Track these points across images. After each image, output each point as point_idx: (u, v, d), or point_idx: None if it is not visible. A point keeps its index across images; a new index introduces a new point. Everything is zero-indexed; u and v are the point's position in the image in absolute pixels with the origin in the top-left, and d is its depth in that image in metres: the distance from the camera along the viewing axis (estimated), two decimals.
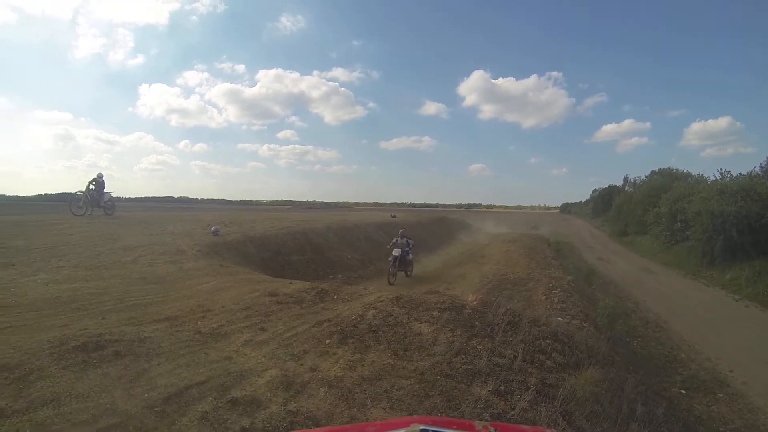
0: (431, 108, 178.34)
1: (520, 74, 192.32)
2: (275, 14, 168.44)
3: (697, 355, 13.16)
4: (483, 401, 5.23)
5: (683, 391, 10.67)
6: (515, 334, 7.64)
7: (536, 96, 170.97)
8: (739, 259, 24.32)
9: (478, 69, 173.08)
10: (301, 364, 5.94)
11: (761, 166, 34.39)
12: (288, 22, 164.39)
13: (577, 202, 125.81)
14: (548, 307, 13.37)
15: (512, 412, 5.13)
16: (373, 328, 7.38)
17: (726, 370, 11.94)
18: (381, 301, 8.85)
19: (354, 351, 6.48)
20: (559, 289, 16.35)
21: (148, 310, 8.08)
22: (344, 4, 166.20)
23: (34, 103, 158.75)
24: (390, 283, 18.51)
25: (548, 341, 7.81)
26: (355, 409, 4.83)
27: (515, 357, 6.75)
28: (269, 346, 6.55)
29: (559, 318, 10.87)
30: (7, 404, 4.30)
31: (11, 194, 66.69)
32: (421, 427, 1.66)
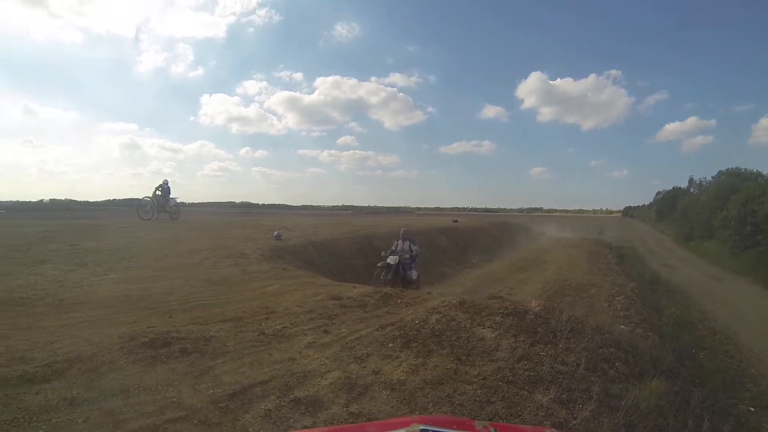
0: (490, 111, 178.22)
1: (579, 74, 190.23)
2: (330, 23, 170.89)
3: None
4: (545, 409, 5.12)
5: (752, 409, 10.06)
6: (578, 341, 7.45)
7: (595, 96, 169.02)
8: None
9: (535, 70, 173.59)
10: (364, 367, 5.91)
11: None
12: (343, 30, 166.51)
13: (640, 205, 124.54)
14: (611, 314, 13.14)
15: (574, 422, 4.99)
16: (436, 333, 7.29)
17: None
18: (444, 305, 8.74)
19: (417, 355, 6.41)
20: (621, 296, 16.03)
21: (213, 310, 8.23)
22: (398, 9, 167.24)
23: (103, 115, 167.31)
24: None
25: (611, 350, 7.63)
26: (417, 413, 4.77)
27: (578, 365, 6.59)
28: (332, 349, 6.54)
29: (622, 326, 10.63)
30: (79, 393, 4.44)
31: (82, 199, 69.63)
32: (421, 427, 1.65)
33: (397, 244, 16.12)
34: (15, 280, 9.45)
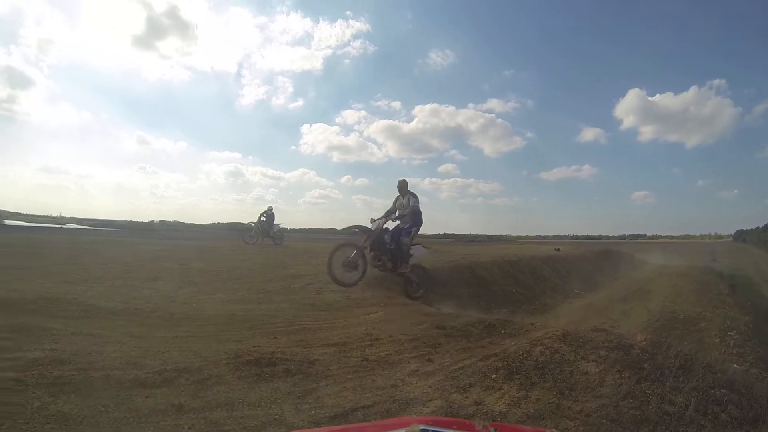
0: (588, 134, 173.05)
1: (678, 88, 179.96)
2: (424, 51, 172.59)
3: None
4: None
5: None
6: (687, 380, 6.97)
7: (698, 110, 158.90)
8: None
9: (632, 87, 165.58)
10: (466, 397, 5.81)
11: None
12: (438, 57, 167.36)
13: (754, 228, 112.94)
14: (723, 351, 12.46)
15: None
16: (540, 365, 7.07)
17: None
18: (548, 337, 8.49)
19: (519, 387, 6.25)
20: (735, 331, 15.02)
21: (316, 334, 8.34)
22: (491, 34, 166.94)
23: (209, 145, 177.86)
24: (342, 282, 11.94)
25: (724, 391, 7.03)
26: None
27: (687, 406, 6.14)
28: (435, 378, 6.46)
29: (735, 365, 10.02)
30: (185, 401, 4.63)
31: (189, 221, 73.52)
32: (421, 427, 1.68)
33: (397, 200, 12.57)
34: (130, 293, 10.14)
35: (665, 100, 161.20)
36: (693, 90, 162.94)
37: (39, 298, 8.99)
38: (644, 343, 8.35)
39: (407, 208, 11.89)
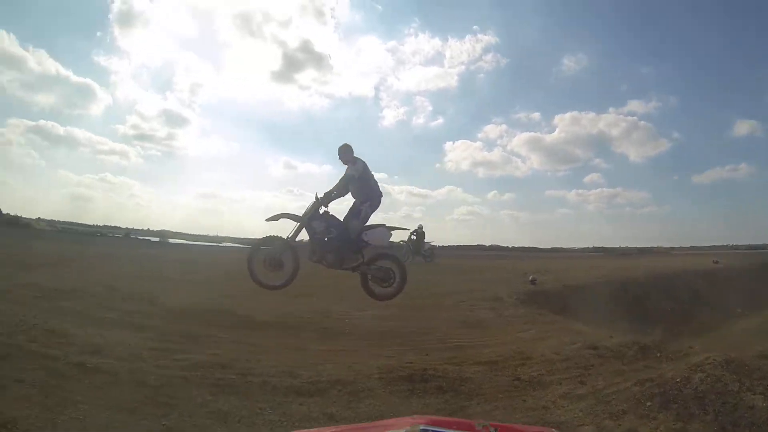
0: (743, 127, 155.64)
1: None
2: (556, 58, 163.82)
3: None
4: None
5: None
6: None
7: None
8: None
9: None
10: (619, 425, 5.71)
11: None
12: (571, 63, 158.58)
13: None
14: None
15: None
16: (699, 395, 6.68)
17: None
18: (709, 363, 8.01)
19: (676, 418, 6.02)
20: None
21: (468, 352, 8.44)
22: (621, 32, 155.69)
23: None
24: (266, 285, 8.23)
25: None
26: None
27: None
28: (587, 401, 6.38)
29: None
30: (337, 411, 4.95)
31: None
32: (422, 427, 1.67)
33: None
34: (285, 308, 10.74)
35: None
36: None
37: (205, 310, 9.78)
38: None
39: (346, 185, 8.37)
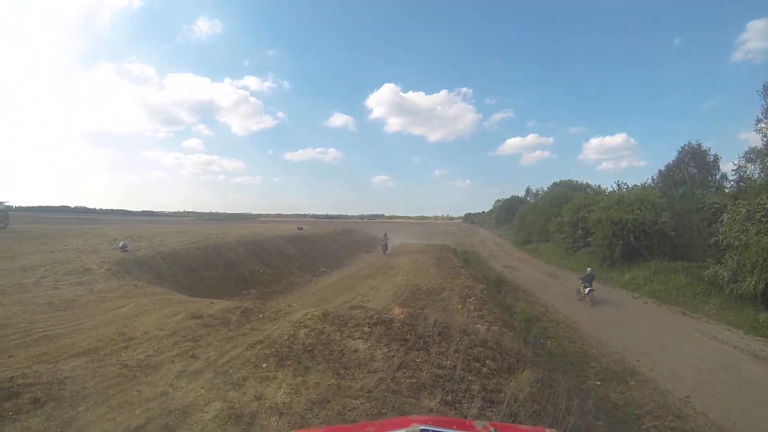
0: (338, 120, 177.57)
1: (431, 89, 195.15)
2: (192, 16, 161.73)
3: (606, 349, 14.31)
4: (436, 413, 5.25)
5: (598, 383, 11.44)
6: (448, 344, 7.75)
7: (444, 110, 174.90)
8: (637, 261, 27.83)
9: (389, 82, 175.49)
10: (244, 393, 5.64)
11: (653, 179, 40.96)
12: (204, 26, 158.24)
13: (480, 212, 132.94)
14: (466, 315, 13.68)
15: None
16: (308, 348, 7.18)
17: (634, 360, 13.20)
18: (309, 318, 8.66)
19: (294, 373, 6.26)
20: (473, 297, 16.71)
21: (61, 342, 7.36)
22: (264, 12, 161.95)
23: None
24: None
25: (480, 349, 8.00)
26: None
27: (454, 367, 6.85)
28: (206, 376, 6.16)
29: (479, 325, 10.92)
30: None
31: None
32: (421, 427, 1.69)
33: None
34: None
35: (417, 97, 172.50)
36: (443, 93, 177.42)
37: None
38: (402, 316, 8.86)
39: None
